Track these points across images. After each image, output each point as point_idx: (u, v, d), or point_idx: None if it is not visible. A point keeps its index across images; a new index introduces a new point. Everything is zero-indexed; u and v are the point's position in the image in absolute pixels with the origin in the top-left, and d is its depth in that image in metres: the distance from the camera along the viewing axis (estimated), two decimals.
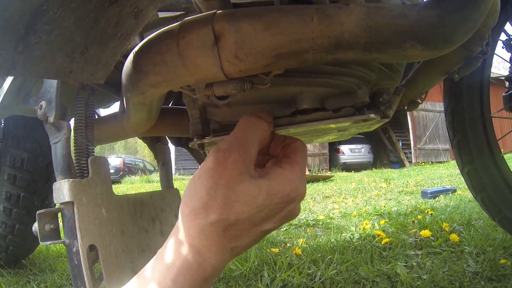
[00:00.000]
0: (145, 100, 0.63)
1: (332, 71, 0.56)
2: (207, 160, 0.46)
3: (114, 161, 17.30)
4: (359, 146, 15.24)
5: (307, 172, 10.60)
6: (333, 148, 15.20)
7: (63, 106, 0.70)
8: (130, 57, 0.55)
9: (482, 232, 1.73)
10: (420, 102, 0.94)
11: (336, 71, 0.56)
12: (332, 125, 0.59)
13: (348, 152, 15.07)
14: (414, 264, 1.38)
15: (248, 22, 0.45)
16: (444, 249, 1.55)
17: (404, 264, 1.39)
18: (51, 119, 0.68)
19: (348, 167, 13.80)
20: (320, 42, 0.44)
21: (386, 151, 17.10)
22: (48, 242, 0.63)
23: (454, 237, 1.61)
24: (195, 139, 0.62)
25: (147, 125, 0.81)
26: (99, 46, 0.52)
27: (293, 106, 0.58)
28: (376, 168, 13.76)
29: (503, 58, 1.40)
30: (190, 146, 0.63)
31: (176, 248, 0.44)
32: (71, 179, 0.65)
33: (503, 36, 1.32)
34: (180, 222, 0.46)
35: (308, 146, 14.05)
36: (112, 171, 15.64)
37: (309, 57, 0.46)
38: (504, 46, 1.36)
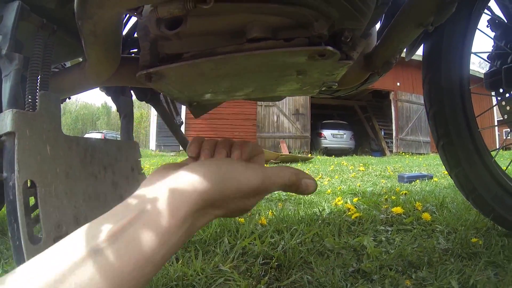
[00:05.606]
0: (95, 28, 0.60)
1: None
2: None
3: (95, 136, 17.23)
4: (341, 131, 15.35)
5: (287, 153, 10.60)
6: (315, 132, 15.26)
7: (19, 41, 0.69)
8: None
9: (455, 213, 1.70)
10: (394, 61, 0.90)
11: None
12: (285, 58, 0.55)
13: (330, 137, 15.17)
14: (383, 239, 1.34)
15: None
16: (415, 227, 1.51)
17: (373, 238, 1.34)
18: (3, 51, 0.65)
19: (329, 152, 13.91)
20: None
21: (368, 139, 17.28)
22: None
23: (426, 216, 1.57)
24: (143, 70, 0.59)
25: (107, 68, 0.79)
26: None
27: (243, 38, 0.55)
28: (357, 155, 13.85)
29: (487, 35, 1.34)
30: (136, 77, 0.59)
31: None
32: (15, 109, 0.62)
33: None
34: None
35: (290, 128, 14.24)
36: None
37: None
38: (488, 25, 1.31)
